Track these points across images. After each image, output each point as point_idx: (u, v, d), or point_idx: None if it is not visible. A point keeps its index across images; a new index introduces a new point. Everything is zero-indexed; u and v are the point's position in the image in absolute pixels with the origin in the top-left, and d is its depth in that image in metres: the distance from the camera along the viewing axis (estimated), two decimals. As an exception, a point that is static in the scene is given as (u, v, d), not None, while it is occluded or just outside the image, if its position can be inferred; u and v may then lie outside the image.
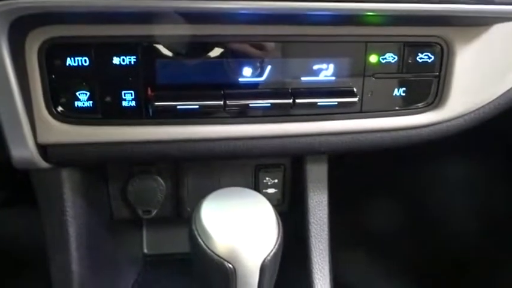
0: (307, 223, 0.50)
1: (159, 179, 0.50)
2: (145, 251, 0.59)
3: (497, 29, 0.39)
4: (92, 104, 0.36)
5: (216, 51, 0.37)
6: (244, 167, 0.52)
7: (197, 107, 0.36)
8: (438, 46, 0.39)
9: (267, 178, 0.52)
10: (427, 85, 0.40)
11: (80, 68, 0.35)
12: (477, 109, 0.42)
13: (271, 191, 0.53)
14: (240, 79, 0.38)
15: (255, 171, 0.52)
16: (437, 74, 0.40)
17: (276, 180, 0.53)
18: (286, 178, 0.53)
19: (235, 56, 0.37)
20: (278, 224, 0.38)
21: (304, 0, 0.31)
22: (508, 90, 0.42)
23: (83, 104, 0.36)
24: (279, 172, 0.53)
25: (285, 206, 0.54)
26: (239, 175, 0.52)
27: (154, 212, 0.51)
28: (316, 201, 0.51)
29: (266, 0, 0.30)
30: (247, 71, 0.38)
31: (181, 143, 0.39)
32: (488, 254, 0.70)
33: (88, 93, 0.36)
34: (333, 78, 0.38)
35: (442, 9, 0.33)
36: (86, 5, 0.29)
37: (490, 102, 0.42)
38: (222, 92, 0.37)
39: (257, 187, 0.52)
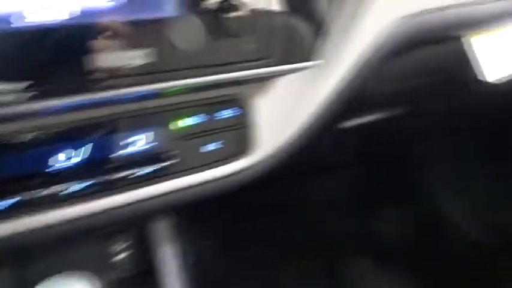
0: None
1: None
2: None
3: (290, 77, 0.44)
4: None
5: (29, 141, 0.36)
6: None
7: (17, 199, 0.36)
8: (238, 101, 0.44)
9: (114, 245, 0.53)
10: (235, 137, 0.44)
11: None
12: (290, 143, 0.46)
13: (119, 257, 0.53)
14: (56, 164, 0.38)
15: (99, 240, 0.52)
16: (242, 125, 0.44)
17: (123, 246, 0.54)
18: (134, 242, 0.54)
19: (49, 142, 0.37)
20: None
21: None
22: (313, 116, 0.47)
23: None
24: (126, 237, 0.54)
25: (135, 271, 0.54)
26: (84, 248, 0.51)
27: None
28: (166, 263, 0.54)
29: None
30: (62, 156, 0.38)
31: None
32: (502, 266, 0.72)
33: None
34: (149, 146, 0.41)
35: (235, 77, 0.38)
36: None
37: (300, 133, 0.47)
38: (40, 181, 0.37)
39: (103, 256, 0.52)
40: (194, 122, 0.42)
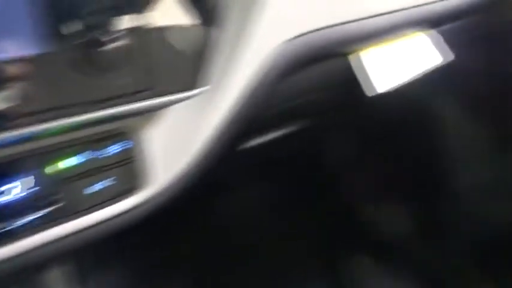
0: None
1: None
2: None
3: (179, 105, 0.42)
4: None
5: None
6: None
7: None
8: (127, 134, 0.42)
9: None
10: (126, 173, 0.42)
11: None
12: (186, 172, 0.45)
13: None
14: None
15: None
16: (133, 160, 0.42)
17: None
18: None
19: None
20: None
21: None
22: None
23: None
24: None
25: None
26: None
27: None
28: None
29: None
30: None
31: None
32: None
33: None
34: (27, 193, 0.37)
35: (110, 114, 0.35)
36: None
37: (197, 160, 0.45)
38: None
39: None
40: (78, 162, 0.40)
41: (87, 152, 0.40)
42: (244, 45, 0.44)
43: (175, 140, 0.45)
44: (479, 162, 0.95)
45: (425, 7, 0.62)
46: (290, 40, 0.48)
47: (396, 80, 0.63)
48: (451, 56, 0.68)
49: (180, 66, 0.40)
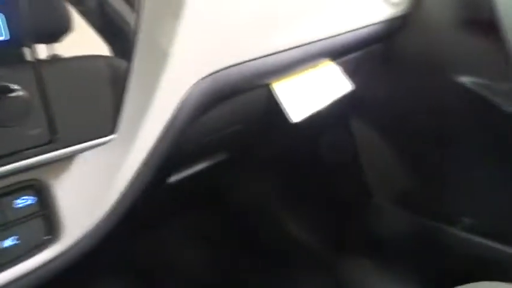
0: None
1: None
2: None
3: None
4: None
5: None
6: None
7: None
8: (34, 187, 0.39)
9: None
10: (33, 229, 0.39)
11: None
12: (105, 219, 0.43)
13: None
14: None
15: None
16: (40, 214, 0.39)
17: None
18: None
19: None
20: None
21: None
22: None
23: None
24: None
25: None
26: None
27: None
28: None
29: None
30: None
31: None
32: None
33: None
34: None
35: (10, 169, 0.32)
36: None
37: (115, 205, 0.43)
38: None
39: None
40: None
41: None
42: (157, 87, 0.43)
43: (88, 190, 0.42)
44: (388, 177, 1.03)
45: (331, 39, 0.66)
46: (203, 79, 0.48)
47: (310, 108, 0.65)
48: (352, 85, 0.73)
49: (88, 112, 0.37)
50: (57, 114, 0.35)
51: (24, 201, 0.38)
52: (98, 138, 0.38)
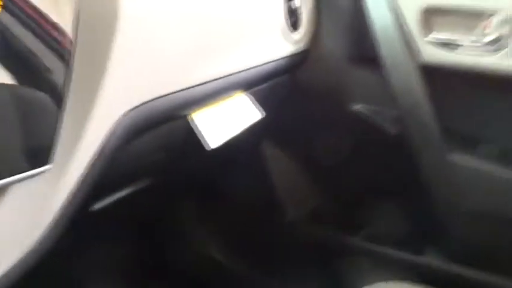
0: None
1: None
2: None
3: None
4: None
5: None
6: None
7: None
8: None
9: None
10: None
11: None
12: (32, 250, 0.43)
13: None
14: None
15: None
16: None
17: None
18: None
19: None
20: None
21: None
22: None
23: None
24: None
25: None
26: None
27: None
28: None
29: None
30: None
31: None
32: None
33: None
34: None
35: None
36: None
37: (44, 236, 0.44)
38: None
39: None
40: None
41: None
42: (88, 118, 0.46)
43: (17, 222, 0.42)
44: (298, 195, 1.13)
45: (243, 73, 0.74)
46: (132, 109, 0.51)
47: (225, 135, 0.72)
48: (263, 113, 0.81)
49: (22, 144, 0.39)
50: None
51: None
52: (32, 169, 0.40)
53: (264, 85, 0.86)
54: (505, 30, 0.77)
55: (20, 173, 0.39)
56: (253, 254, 1.14)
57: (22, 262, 0.43)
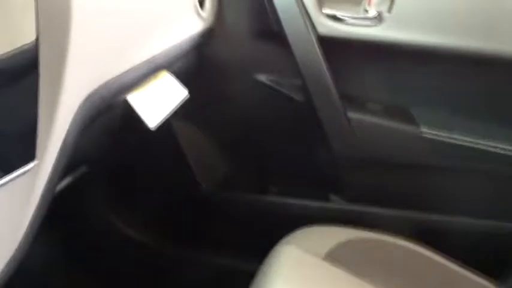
0: None
1: None
2: None
3: None
4: None
5: None
6: None
7: None
8: None
9: None
10: None
11: None
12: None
13: None
14: None
15: None
16: None
17: None
18: None
19: None
20: None
21: None
22: None
23: None
24: None
25: None
26: None
27: None
28: None
29: None
30: None
31: None
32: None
33: None
34: None
35: None
36: None
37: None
38: None
39: None
40: None
41: None
42: (58, 105, 0.45)
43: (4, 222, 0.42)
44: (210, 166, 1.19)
45: (164, 53, 0.76)
46: (87, 97, 0.52)
47: (162, 113, 0.74)
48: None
49: (8, 141, 0.39)
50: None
51: None
52: (20, 167, 0.39)
53: (178, 63, 0.89)
54: (382, 7, 0.92)
55: (11, 171, 0.39)
56: (175, 231, 1.18)
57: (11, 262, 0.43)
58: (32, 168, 0.41)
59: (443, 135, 0.96)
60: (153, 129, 0.70)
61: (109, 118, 0.67)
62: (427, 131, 0.97)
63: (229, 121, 1.11)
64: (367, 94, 1.02)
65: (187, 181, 1.17)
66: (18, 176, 0.40)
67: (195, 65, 1.02)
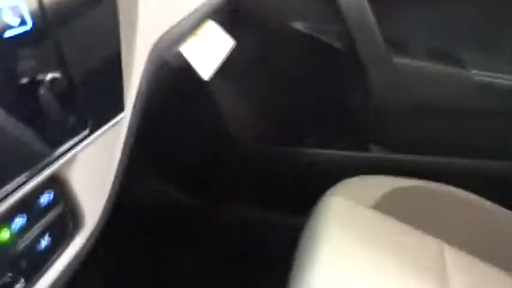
0: None
1: None
2: None
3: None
4: None
5: None
6: None
7: None
8: (51, 179, 0.37)
9: None
10: (62, 222, 0.39)
11: None
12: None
13: None
14: None
15: None
16: (65, 204, 0.39)
17: None
18: None
19: None
20: None
21: None
22: None
23: None
24: None
25: None
26: None
27: None
28: None
29: None
30: None
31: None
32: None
33: None
34: None
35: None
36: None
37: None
38: None
39: None
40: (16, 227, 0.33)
41: (19, 214, 0.33)
42: (133, 51, 0.43)
43: (94, 173, 0.41)
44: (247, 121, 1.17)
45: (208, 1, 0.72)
46: (156, 43, 0.49)
47: (213, 64, 0.71)
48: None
49: (104, 94, 0.37)
50: (86, 99, 0.34)
51: (47, 197, 0.36)
52: (113, 118, 0.38)
53: (222, 12, 0.85)
54: None
55: (106, 123, 0.37)
56: (213, 187, 1.17)
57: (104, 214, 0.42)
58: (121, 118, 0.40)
59: (494, 77, 0.92)
60: (207, 80, 0.68)
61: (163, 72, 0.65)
62: (477, 73, 0.93)
63: (266, 74, 1.08)
64: (412, 37, 0.97)
65: (223, 137, 1.16)
66: (111, 126, 0.39)
67: (235, 14, 0.98)
